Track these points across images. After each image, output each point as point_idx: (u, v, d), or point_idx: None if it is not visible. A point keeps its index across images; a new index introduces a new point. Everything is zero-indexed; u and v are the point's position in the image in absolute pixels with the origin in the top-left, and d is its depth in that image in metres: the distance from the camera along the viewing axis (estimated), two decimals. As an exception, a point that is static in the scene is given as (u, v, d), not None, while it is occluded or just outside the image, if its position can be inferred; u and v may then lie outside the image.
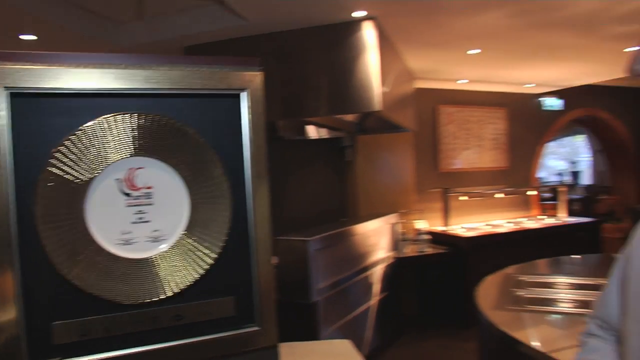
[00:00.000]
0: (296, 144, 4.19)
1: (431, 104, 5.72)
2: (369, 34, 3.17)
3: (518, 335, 2.12)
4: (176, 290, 1.05)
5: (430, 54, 4.17)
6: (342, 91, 3.23)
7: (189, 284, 1.06)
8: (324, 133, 4.28)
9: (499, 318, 2.35)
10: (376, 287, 4.13)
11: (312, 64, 3.31)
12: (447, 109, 5.82)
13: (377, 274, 4.15)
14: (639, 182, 7.86)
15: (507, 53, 4.30)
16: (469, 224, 5.72)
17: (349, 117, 4.30)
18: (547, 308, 2.55)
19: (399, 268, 4.59)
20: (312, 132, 4.10)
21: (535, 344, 2.03)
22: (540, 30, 3.62)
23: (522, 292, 2.80)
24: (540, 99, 6.66)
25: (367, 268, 3.95)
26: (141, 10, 3.12)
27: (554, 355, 1.90)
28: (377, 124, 4.56)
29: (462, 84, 5.70)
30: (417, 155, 5.45)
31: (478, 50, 4.13)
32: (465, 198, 5.65)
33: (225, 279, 1.10)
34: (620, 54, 4.48)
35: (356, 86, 3.20)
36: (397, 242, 4.63)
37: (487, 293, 2.82)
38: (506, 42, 3.92)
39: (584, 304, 2.57)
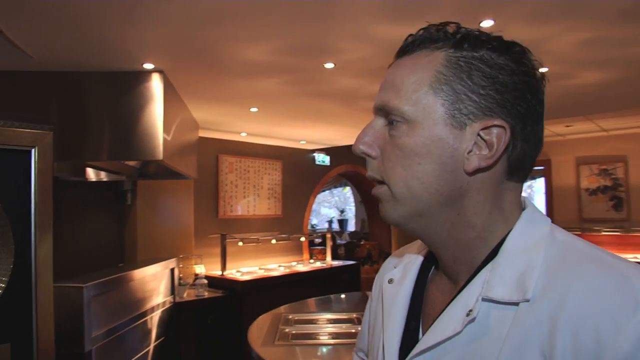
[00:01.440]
0: (74, 185, 4.02)
1: (214, 153, 5.99)
2: (156, 85, 3.30)
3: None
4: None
5: (215, 107, 4.45)
6: (125, 137, 3.27)
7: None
8: (103, 176, 4.19)
9: (268, 353, 2.62)
10: (154, 333, 4.09)
11: (97, 107, 3.29)
12: (228, 159, 6.15)
13: (155, 319, 4.13)
14: (389, 230, 9.19)
15: (281, 113, 4.80)
16: (245, 268, 6.02)
17: (131, 162, 4.29)
18: (310, 341, 2.91)
19: (177, 313, 4.61)
20: (91, 174, 4.00)
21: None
22: (309, 98, 4.18)
23: (289, 329, 3.13)
24: (313, 154, 7.46)
25: (145, 314, 3.91)
26: None
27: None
28: (159, 170, 4.62)
29: (243, 137, 6.11)
30: (198, 201, 5.61)
31: (256, 109, 4.54)
32: (241, 244, 5.95)
33: (3, 325, 1.12)
34: (373, 123, 5.36)
35: (140, 134, 3.27)
36: (175, 287, 4.67)
37: (258, 331, 3.08)
38: (280, 104, 4.40)
39: (341, 336, 3.00)
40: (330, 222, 14.67)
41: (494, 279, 0.67)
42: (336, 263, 6.84)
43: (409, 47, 0.76)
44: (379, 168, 0.75)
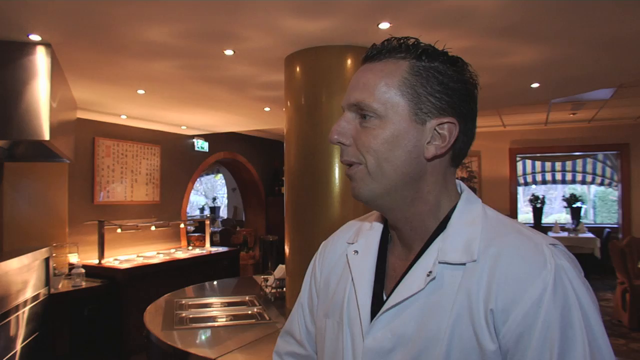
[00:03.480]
0: None
1: (90, 135, 5.64)
2: (41, 59, 3.06)
3: (190, 349, 2.44)
4: None
5: (98, 87, 4.22)
6: (4, 114, 3.01)
7: None
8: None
9: (170, 337, 2.63)
10: (24, 330, 3.81)
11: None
12: (105, 142, 5.84)
13: (26, 314, 3.84)
14: (266, 216, 9.35)
15: (169, 97, 4.69)
16: (123, 256, 5.79)
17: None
18: (210, 324, 2.95)
19: (51, 305, 4.33)
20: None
21: (204, 352, 2.39)
22: (202, 83, 4.15)
23: (185, 313, 3.14)
24: (192, 140, 7.33)
25: (15, 309, 3.63)
26: None
27: (221, 359, 2.29)
28: (29, 152, 4.26)
29: (123, 120, 5.84)
30: (73, 186, 5.28)
31: (143, 91, 4.40)
32: (120, 231, 5.72)
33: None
34: (260, 112, 5.45)
35: (22, 111, 3.03)
36: (49, 278, 4.37)
37: (154, 317, 3.05)
38: (170, 88, 4.31)
39: (234, 317, 3.08)
40: (202, 209, 14.45)
41: (447, 247, 0.87)
42: (215, 250, 6.84)
43: (375, 55, 0.92)
44: (354, 153, 0.91)
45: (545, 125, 8.09)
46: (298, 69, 3.17)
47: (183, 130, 6.94)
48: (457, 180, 0.98)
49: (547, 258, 0.78)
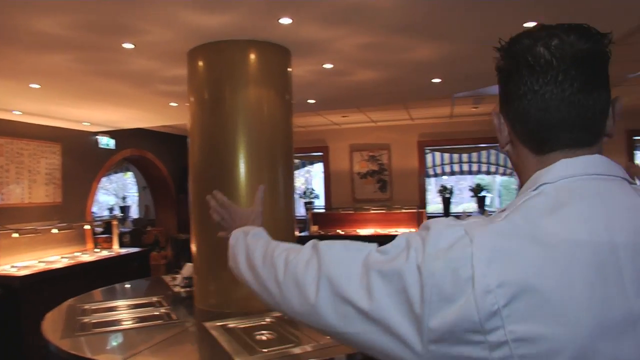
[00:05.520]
0: None
1: (-22, 134, 5.23)
2: None
3: (94, 355, 2.33)
4: None
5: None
6: None
7: None
8: None
9: (70, 345, 2.50)
10: None
11: None
12: (-3, 140, 5.43)
13: None
14: (177, 214, 9.12)
15: (67, 92, 4.45)
16: (21, 263, 5.42)
17: None
18: (114, 328, 2.84)
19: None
20: None
21: (107, 358, 2.30)
22: (102, 78, 3.97)
23: (88, 319, 3.00)
24: (96, 137, 6.98)
25: None
26: None
27: (126, 361, 2.22)
28: None
29: (16, 115, 5.45)
30: (-40, 189, 4.87)
31: (38, 86, 4.14)
32: (17, 235, 5.35)
33: None
34: (166, 107, 5.30)
35: None
36: None
37: (53, 326, 2.89)
38: (68, 83, 4.08)
39: (140, 319, 2.98)
40: (111, 209, 13.83)
41: None
42: (124, 251, 6.59)
43: None
44: None
45: (451, 118, 8.48)
46: (201, 64, 3.12)
47: (86, 127, 6.60)
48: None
49: None
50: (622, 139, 8.12)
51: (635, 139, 8.26)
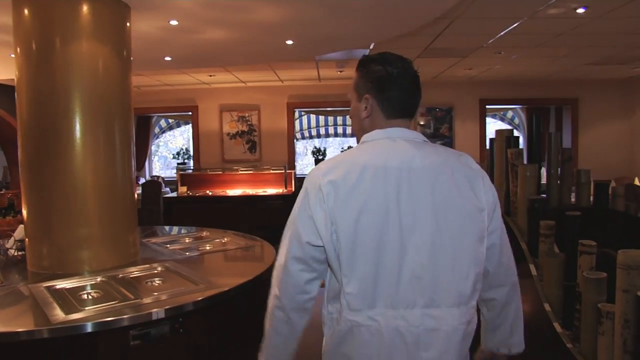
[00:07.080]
0: None
1: None
2: None
3: None
4: None
5: None
6: None
7: None
8: None
9: None
10: None
11: None
12: None
13: None
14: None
15: None
16: None
17: None
18: None
19: None
20: None
21: None
22: None
23: None
24: None
25: None
26: None
27: None
28: None
29: None
30: None
31: None
32: None
33: None
34: (7, 58, 4.88)
35: None
36: None
37: None
38: None
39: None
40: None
41: None
42: (-33, 216, 6.03)
43: None
44: None
45: (320, 81, 8.68)
46: (27, 12, 2.90)
47: None
48: None
49: None
50: (476, 107, 8.88)
51: (487, 108, 9.08)
